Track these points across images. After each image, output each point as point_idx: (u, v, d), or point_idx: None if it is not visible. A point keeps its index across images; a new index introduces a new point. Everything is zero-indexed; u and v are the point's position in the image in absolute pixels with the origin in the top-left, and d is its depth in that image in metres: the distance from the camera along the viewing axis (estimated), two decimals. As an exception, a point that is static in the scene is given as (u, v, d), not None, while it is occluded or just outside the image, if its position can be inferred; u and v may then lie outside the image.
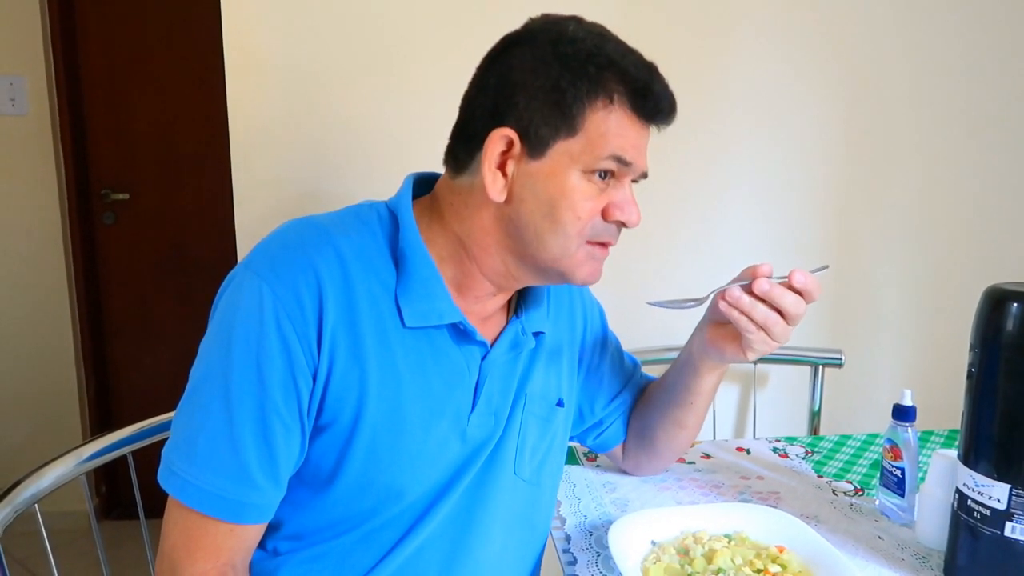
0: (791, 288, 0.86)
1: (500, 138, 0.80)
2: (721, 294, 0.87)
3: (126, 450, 1.09)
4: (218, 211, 2.25)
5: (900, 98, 1.76)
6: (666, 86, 0.83)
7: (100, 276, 2.73)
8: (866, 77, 1.74)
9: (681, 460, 1.26)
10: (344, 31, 1.54)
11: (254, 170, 1.59)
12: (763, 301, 0.86)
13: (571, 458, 1.26)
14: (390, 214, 0.87)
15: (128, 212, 2.71)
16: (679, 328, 1.80)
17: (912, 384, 1.13)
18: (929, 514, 0.97)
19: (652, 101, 0.81)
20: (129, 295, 2.75)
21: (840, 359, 1.70)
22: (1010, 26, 1.76)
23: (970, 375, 0.86)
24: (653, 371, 1.76)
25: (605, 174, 0.81)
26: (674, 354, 1.72)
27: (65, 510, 1.71)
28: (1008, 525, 0.81)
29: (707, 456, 1.29)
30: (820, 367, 1.72)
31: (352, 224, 0.84)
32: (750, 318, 0.86)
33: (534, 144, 0.80)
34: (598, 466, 1.23)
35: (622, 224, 0.85)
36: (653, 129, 0.85)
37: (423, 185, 0.91)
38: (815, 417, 1.74)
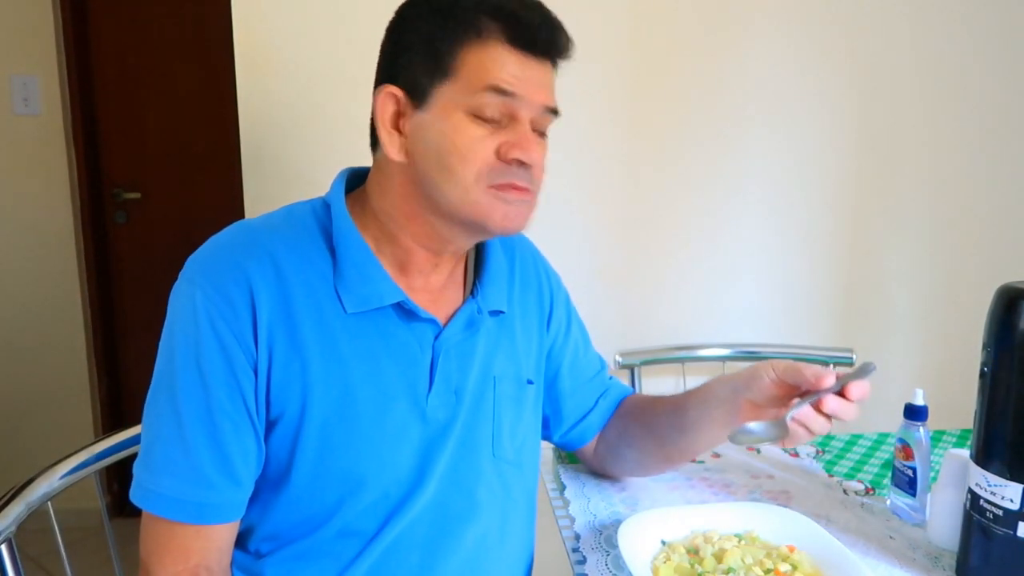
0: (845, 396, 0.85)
1: (386, 96, 0.82)
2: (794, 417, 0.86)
3: (137, 448, 1.09)
4: (229, 210, 2.24)
5: (913, 95, 1.75)
6: (542, 12, 0.81)
7: (112, 275, 2.75)
8: (878, 74, 1.73)
9: (691, 459, 1.26)
10: (354, 32, 1.55)
11: (265, 170, 1.59)
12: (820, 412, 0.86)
13: (581, 457, 1.26)
14: (325, 208, 0.88)
15: (140, 211, 2.72)
16: (683, 329, 1.80)
17: (924, 383, 1.12)
18: (941, 514, 0.96)
19: (525, 28, 0.80)
20: (140, 294, 2.77)
21: (851, 358, 1.70)
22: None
23: (983, 374, 0.85)
24: (658, 371, 1.77)
25: (493, 113, 0.80)
26: (678, 354, 1.74)
27: (77, 508, 1.72)
28: (1021, 525, 0.81)
29: (717, 455, 1.28)
30: (831, 366, 1.70)
31: (284, 222, 0.87)
32: (810, 431, 0.86)
33: (416, 95, 0.81)
34: (608, 465, 1.22)
35: (520, 163, 0.81)
36: (579, 75, 0.85)
37: (362, 179, 0.92)
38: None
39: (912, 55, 1.73)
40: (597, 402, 1.11)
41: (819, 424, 0.86)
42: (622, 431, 1.10)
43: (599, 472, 1.17)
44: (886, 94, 1.74)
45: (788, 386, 0.90)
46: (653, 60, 1.66)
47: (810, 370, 0.87)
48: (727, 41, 1.68)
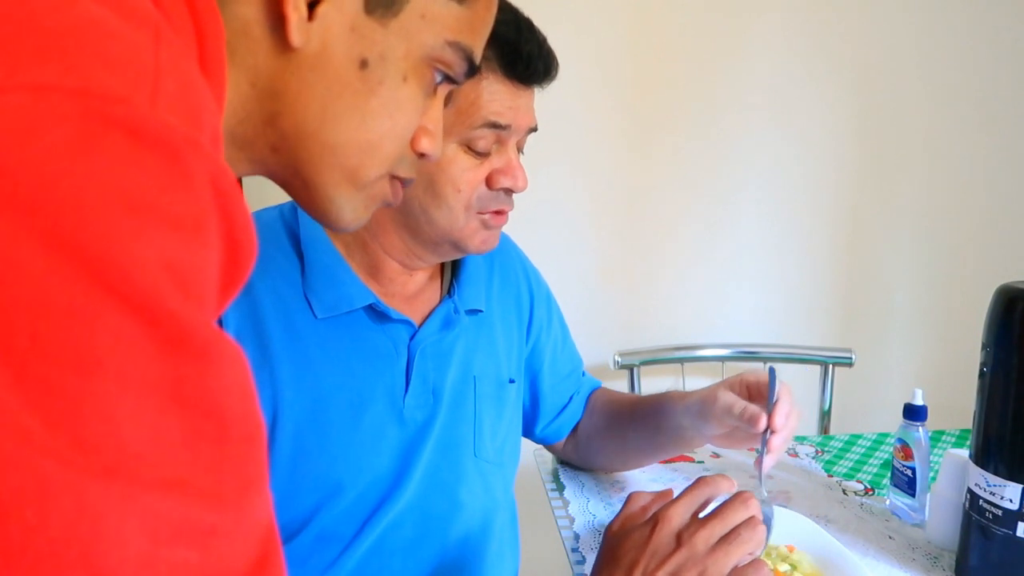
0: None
1: None
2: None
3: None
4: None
5: (912, 97, 1.75)
6: (540, 44, 0.80)
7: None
8: (878, 76, 1.73)
9: (690, 459, 1.26)
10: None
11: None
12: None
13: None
14: (293, 211, 0.87)
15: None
16: (682, 329, 1.80)
17: (923, 383, 1.12)
18: (940, 514, 0.96)
19: (523, 63, 0.79)
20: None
21: (851, 358, 1.69)
22: (1023, 25, 1.75)
23: (982, 374, 0.85)
24: (658, 371, 1.77)
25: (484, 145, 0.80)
26: (677, 354, 1.74)
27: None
28: (1020, 525, 0.80)
29: (716, 455, 1.28)
30: (830, 366, 1.71)
31: None
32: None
33: None
34: (607, 465, 1.22)
35: (509, 191, 0.83)
36: (558, 90, 0.84)
37: None
38: (825, 416, 1.74)
39: (912, 56, 1.73)
40: (571, 398, 1.12)
41: (776, 457, 0.89)
42: (591, 431, 1.12)
43: (577, 465, 1.19)
44: (886, 94, 1.74)
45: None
46: (654, 61, 1.66)
47: (747, 413, 0.88)
48: (727, 41, 1.68)
